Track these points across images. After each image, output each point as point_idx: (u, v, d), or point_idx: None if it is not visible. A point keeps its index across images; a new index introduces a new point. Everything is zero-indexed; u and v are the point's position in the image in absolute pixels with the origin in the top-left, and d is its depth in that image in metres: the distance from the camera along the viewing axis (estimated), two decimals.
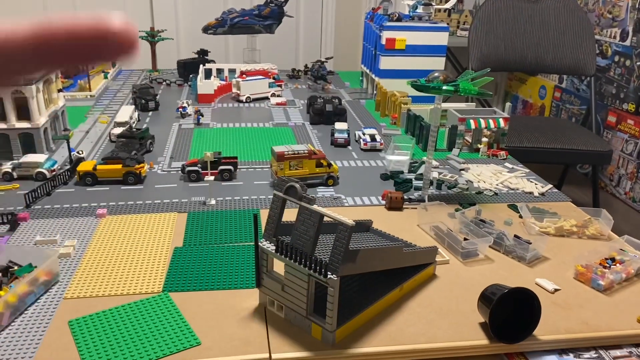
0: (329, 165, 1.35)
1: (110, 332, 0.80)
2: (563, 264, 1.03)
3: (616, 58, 3.11)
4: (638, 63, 2.97)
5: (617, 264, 1.00)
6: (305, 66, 2.57)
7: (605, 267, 0.99)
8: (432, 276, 0.98)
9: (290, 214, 0.83)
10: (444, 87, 1.17)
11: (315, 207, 0.78)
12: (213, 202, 1.22)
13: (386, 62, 2.06)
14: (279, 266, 0.83)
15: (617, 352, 0.83)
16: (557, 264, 1.03)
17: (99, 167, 1.30)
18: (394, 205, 1.23)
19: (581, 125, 2.68)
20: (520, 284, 0.93)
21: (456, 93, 1.19)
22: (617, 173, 3.04)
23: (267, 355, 0.76)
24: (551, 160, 2.30)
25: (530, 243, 1.04)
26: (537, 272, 1.00)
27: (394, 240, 1.00)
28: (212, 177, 1.22)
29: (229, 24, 2.28)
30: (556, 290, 0.94)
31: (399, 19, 2.06)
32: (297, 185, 0.80)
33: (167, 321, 0.82)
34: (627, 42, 3.01)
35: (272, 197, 1.25)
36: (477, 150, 1.62)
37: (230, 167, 1.34)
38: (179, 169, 1.38)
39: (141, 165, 1.32)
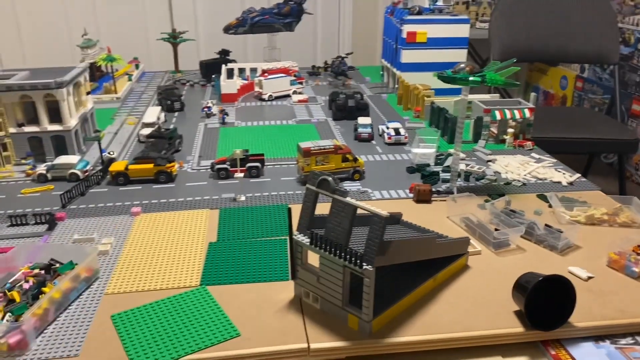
0: (355, 159, 1.36)
1: (152, 325, 0.82)
2: (595, 252, 1.02)
3: (639, 45, 3.06)
4: None
5: None
6: (325, 63, 2.58)
7: (638, 254, 0.98)
8: (465, 267, 0.98)
9: (321, 209, 0.85)
10: (471, 78, 1.17)
11: (348, 199, 0.79)
12: (243, 198, 1.24)
13: (408, 56, 2.06)
14: (313, 259, 0.85)
15: None
16: (590, 252, 1.03)
17: (130, 166, 1.32)
18: (422, 197, 1.24)
19: (605, 115, 2.65)
20: (553, 272, 0.93)
21: (483, 84, 1.19)
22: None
23: (305, 345, 0.78)
24: (576, 150, 2.28)
25: (562, 232, 1.04)
26: (569, 260, 1.00)
27: (425, 232, 1.00)
28: (241, 174, 1.24)
29: (249, 23, 2.30)
30: (590, 278, 0.94)
31: (419, 13, 2.06)
32: (330, 179, 0.82)
33: (206, 313, 0.84)
34: None
35: (299, 192, 1.27)
36: (503, 141, 1.62)
37: (257, 164, 1.36)
38: (208, 167, 1.40)
39: (172, 164, 1.34)
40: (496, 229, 1.06)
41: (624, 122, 3.06)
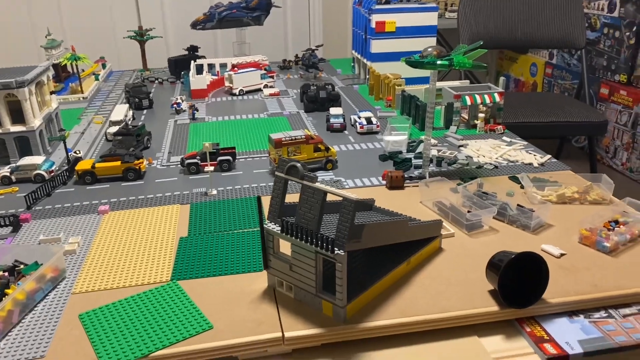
0: (327, 149, 1.34)
1: (122, 322, 0.80)
2: (567, 230, 1.03)
3: (605, 30, 3.12)
4: (627, 33, 2.97)
5: (621, 226, 1.01)
6: (296, 56, 2.56)
7: (609, 230, 0.99)
8: (439, 249, 0.98)
9: (293, 198, 0.83)
10: (439, 62, 1.17)
11: (318, 184, 0.78)
12: (214, 192, 1.22)
13: (377, 46, 2.06)
14: (285, 247, 0.83)
15: (626, 310, 0.84)
16: (561, 229, 1.04)
17: (97, 165, 1.29)
18: (395, 184, 1.23)
19: (575, 99, 2.69)
20: (527, 250, 0.93)
21: (451, 67, 1.19)
22: (613, 144, 3.06)
23: (279, 334, 0.77)
24: (547, 134, 2.31)
25: (534, 211, 1.04)
26: (542, 239, 1.01)
27: (398, 217, 1.00)
28: (211, 168, 1.22)
29: (217, 18, 2.27)
30: (562, 254, 0.95)
31: (387, 2, 2.06)
32: (299, 165, 0.80)
33: (177, 308, 0.82)
34: (615, 14, 3.02)
35: (272, 184, 1.25)
36: (475, 126, 1.62)
37: (228, 157, 1.34)
38: (178, 162, 1.38)
39: (140, 160, 1.32)
40: (469, 211, 1.06)
41: (593, 106, 3.12)
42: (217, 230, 1.06)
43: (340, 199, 0.75)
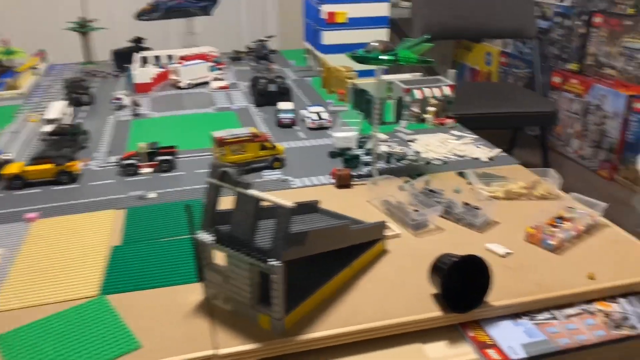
0: (274, 146, 1.30)
1: (40, 345, 0.74)
2: (513, 227, 1.02)
3: (557, 19, 3.15)
4: (578, 22, 3.01)
5: (566, 222, 1.00)
6: (248, 47, 2.49)
7: (554, 227, 0.99)
8: (384, 251, 0.95)
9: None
10: (384, 57, 1.13)
11: (251, 191, 0.74)
12: (153, 195, 1.16)
13: (329, 37, 2.01)
14: (220, 257, 0.79)
15: (569, 311, 0.83)
16: (508, 227, 1.02)
17: (27, 168, 1.21)
18: (342, 182, 1.20)
19: (526, 88, 2.71)
20: (472, 250, 0.91)
21: (396, 63, 1.16)
22: (565, 133, 3.11)
23: (212, 351, 0.72)
24: (499, 125, 2.32)
25: (480, 209, 1.02)
26: (488, 237, 0.99)
27: (342, 219, 0.96)
28: (149, 169, 1.15)
29: (163, 8, 2.18)
30: (507, 253, 0.93)
31: None
32: (231, 170, 0.76)
33: (103, 326, 0.77)
34: (567, 3, 3.05)
35: None
36: (425, 120, 1.61)
37: (168, 157, 1.28)
38: (116, 163, 1.31)
39: (73, 162, 1.24)
40: (415, 210, 1.04)
41: (545, 95, 3.16)
42: (154, 238, 1.00)
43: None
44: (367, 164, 1.31)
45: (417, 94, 1.58)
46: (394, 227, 1.01)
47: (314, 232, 0.78)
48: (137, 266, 0.91)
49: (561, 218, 1.01)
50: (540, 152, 2.62)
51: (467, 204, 1.05)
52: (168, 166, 1.27)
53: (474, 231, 1.01)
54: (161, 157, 1.27)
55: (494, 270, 0.80)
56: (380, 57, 1.13)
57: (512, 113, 2.21)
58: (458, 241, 0.98)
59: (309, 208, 0.99)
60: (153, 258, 0.94)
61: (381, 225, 0.94)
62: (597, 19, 2.90)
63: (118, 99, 1.75)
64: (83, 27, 2.28)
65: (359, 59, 1.15)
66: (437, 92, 1.58)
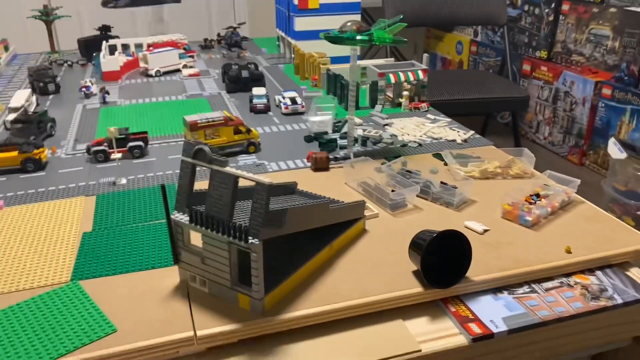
0: (248, 131, 1.28)
1: (11, 331, 0.71)
2: (490, 205, 1.02)
3: (526, 7, 3.19)
4: (546, 10, 3.05)
5: (542, 199, 1.01)
6: (218, 35, 2.45)
7: (530, 204, 0.99)
8: (363, 231, 0.94)
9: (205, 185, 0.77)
10: (358, 37, 1.12)
11: (228, 169, 0.72)
12: (124, 181, 1.13)
13: (301, 23, 1.99)
14: (196, 238, 0.77)
15: (548, 284, 0.84)
16: (485, 205, 1.02)
17: None
18: (319, 165, 1.18)
19: (498, 75, 2.74)
20: (450, 228, 0.91)
21: (371, 42, 1.15)
22: (536, 119, 3.15)
23: (191, 333, 0.70)
24: (472, 110, 2.34)
25: (456, 188, 1.02)
26: (465, 215, 0.99)
27: (320, 200, 0.95)
28: (119, 155, 1.12)
29: None
30: (485, 230, 0.93)
31: None
32: (206, 148, 0.73)
33: (77, 311, 0.74)
34: None
35: None
36: (400, 104, 1.61)
37: (140, 143, 1.24)
38: (84, 150, 1.27)
39: (40, 150, 1.20)
40: (393, 191, 1.03)
41: (516, 82, 3.20)
42: (126, 224, 0.97)
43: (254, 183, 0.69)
44: (342, 147, 1.30)
45: (392, 78, 1.58)
46: (372, 208, 1.00)
47: (293, 210, 0.76)
48: (110, 252, 0.89)
49: (537, 195, 1.02)
50: (511, 139, 2.65)
51: (444, 183, 1.05)
52: (139, 152, 1.24)
53: (452, 210, 1.01)
54: (132, 143, 1.23)
55: (474, 247, 0.80)
56: (355, 37, 1.11)
57: (484, 99, 2.23)
58: (436, 220, 0.98)
59: (286, 189, 0.97)
60: (126, 243, 0.91)
61: (361, 205, 0.93)
62: (565, 7, 2.95)
63: (86, 87, 1.70)
64: (47, 16, 2.20)
65: (333, 39, 1.14)
66: (411, 76, 1.58)
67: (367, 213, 0.97)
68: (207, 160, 0.73)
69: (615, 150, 2.26)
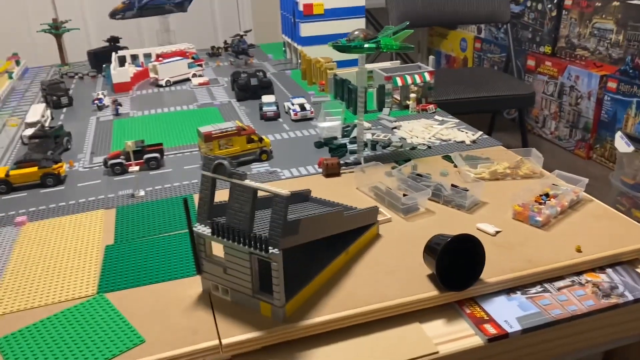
0: (260, 139, 1.30)
1: (44, 344, 0.74)
2: (501, 206, 1.04)
3: (529, 3, 3.20)
4: (549, 6, 3.06)
5: (552, 199, 1.03)
6: (225, 42, 2.48)
7: (540, 204, 1.01)
8: (377, 236, 0.97)
9: (223, 196, 0.79)
10: (366, 45, 1.15)
11: (247, 182, 0.75)
12: (142, 193, 1.16)
13: (307, 29, 2.01)
14: (217, 249, 0.79)
15: (560, 283, 0.86)
16: (496, 207, 1.05)
17: (12, 172, 1.20)
18: (331, 171, 1.21)
19: (503, 72, 2.75)
20: (463, 231, 0.93)
21: (378, 50, 1.17)
22: (542, 114, 3.16)
23: (216, 341, 0.73)
24: (478, 109, 2.35)
25: (467, 190, 1.05)
26: (477, 217, 1.01)
27: (334, 206, 0.98)
28: (137, 168, 1.15)
29: (137, 6, 2.16)
30: (497, 232, 0.96)
31: None
32: (225, 162, 0.76)
33: (105, 324, 0.77)
34: None
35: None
36: (407, 107, 1.63)
37: (156, 154, 1.27)
38: (102, 163, 1.30)
39: (59, 164, 1.23)
40: (404, 195, 1.05)
41: (521, 78, 3.21)
42: (146, 235, 1.00)
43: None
44: (352, 152, 1.33)
45: (398, 81, 1.61)
46: (384, 212, 1.03)
47: (310, 219, 0.79)
48: (133, 263, 0.92)
49: (546, 195, 1.04)
50: (519, 135, 2.66)
51: (454, 186, 1.07)
52: (156, 164, 1.27)
53: (464, 212, 1.03)
54: (148, 155, 1.26)
55: (486, 249, 0.82)
56: (363, 45, 1.14)
57: (490, 97, 2.25)
58: (448, 223, 1.00)
59: (301, 197, 1.00)
60: (148, 254, 0.94)
61: (374, 211, 0.96)
62: (568, 2, 2.95)
63: (99, 99, 1.73)
64: (57, 29, 2.24)
65: (342, 49, 1.16)
66: (417, 78, 1.60)
67: (380, 218, 0.99)
68: (227, 175, 0.76)
69: (622, 144, 2.27)
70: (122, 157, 1.25)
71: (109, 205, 1.12)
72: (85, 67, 2.29)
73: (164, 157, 1.33)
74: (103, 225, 1.04)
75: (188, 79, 2.02)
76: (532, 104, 2.43)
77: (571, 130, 2.98)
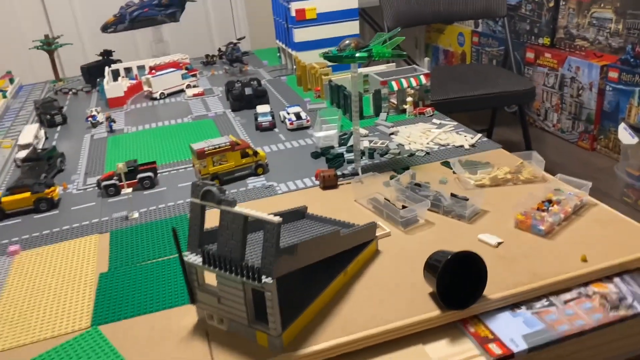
0: (255, 153, 1.28)
1: None
2: (502, 215, 1.01)
3: None
4: None
5: (554, 205, 1.00)
6: (219, 50, 2.46)
7: (543, 211, 0.98)
8: (376, 252, 0.94)
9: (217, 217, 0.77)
10: (357, 55, 1.12)
11: (237, 209, 0.72)
12: (136, 215, 1.14)
13: (300, 34, 1.99)
14: (211, 277, 0.77)
15: (567, 296, 0.83)
16: (497, 215, 1.02)
17: (4, 199, 1.18)
18: (328, 184, 1.18)
19: (502, 67, 2.71)
20: (464, 243, 0.91)
21: (370, 59, 1.14)
22: (543, 107, 3.12)
23: None
24: (478, 106, 2.32)
25: (467, 199, 1.02)
26: (478, 227, 0.99)
27: (331, 223, 0.95)
28: (129, 190, 1.13)
29: (128, 19, 2.14)
30: (499, 243, 0.93)
31: None
32: (214, 189, 0.74)
33: (99, 359, 0.75)
34: None
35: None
36: (404, 111, 1.60)
37: (149, 174, 1.25)
38: (95, 184, 1.28)
39: (52, 189, 1.21)
40: (403, 206, 1.03)
41: (520, 72, 3.17)
42: (141, 260, 0.98)
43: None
44: (350, 161, 1.30)
45: (394, 85, 1.58)
46: (383, 226, 1.00)
47: (304, 244, 0.76)
48: (127, 292, 0.89)
49: (549, 201, 1.01)
50: (520, 128, 2.63)
51: (454, 195, 1.04)
52: (149, 183, 1.25)
53: (464, 222, 1.01)
54: (141, 175, 1.24)
55: (488, 262, 0.80)
56: (354, 55, 1.11)
57: (489, 94, 2.21)
58: (449, 235, 0.97)
59: (297, 215, 0.98)
60: (142, 282, 0.92)
61: (372, 226, 0.93)
62: None
63: (92, 116, 1.71)
64: (49, 45, 2.22)
65: (333, 59, 1.14)
66: (413, 82, 1.57)
67: (378, 233, 0.97)
68: (215, 201, 0.74)
69: (626, 136, 2.24)
70: (115, 177, 1.23)
71: (103, 229, 1.10)
72: (80, 82, 2.27)
73: (158, 175, 1.30)
74: (97, 251, 1.02)
75: (182, 90, 2.00)
76: (533, 99, 2.40)
77: (574, 122, 2.95)
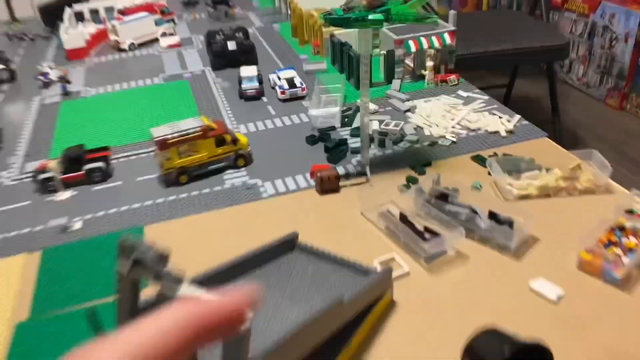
0: (235, 140, 1.00)
1: None
2: (559, 246, 0.76)
3: None
4: None
5: (629, 236, 0.74)
6: None
7: (614, 245, 0.73)
8: (390, 304, 0.69)
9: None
10: (370, 17, 0.83)
11: (183, 289, 0.46)
12: (78, 225, 0.88)
13: None
14: None
15: None
16: (552, 247, 0.76)
17: None
18: (327, 187, 0.92)
19: (529, 15, 2.37)
20: (513, 292, 0.68)
21: (388, 22, 0.85)
22: (568, 58, 2.80)
23: None
24: (502, 64, 2.03)
25: (513, 224, 0.76)
26: (528, 266, 0.73)
27: (330, 262, 0.70)
28: (67, 194, 0.87)
29: None
30: (560, 297, 0.68)
31: None
32: (150, 254, 0.47)
33: None
34: None
35: (160, 201, 0.92)
36: (422, 77, 1.31)
37: (100, 164, 0.98)
38: (31, 175, 1.01)
39: None
40: (426, 228, 0.77)
41: (547, 18, 2.82)
42: (77, 300, 0.73)
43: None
44: (355, 151, 1.03)
45: (412, 45, 1.29)
46: (400, 261, 0.75)
47: (291, 338, 0.51)
48: (53, 354, 0.65)
49: (620, 229, 0.76)
50: (543, 83, 2.32)
51: (493, 214, 0.78)
52: (100, 176, 0.98)
53: (508, 257, 0.75)
54: (90, 165, 0.97)
55: (548, 328, 0.57)
56: (366, 17, 0.82)
57: (518, 50, 1.89)
58: (490, 278, 0.72)
59: (285, 247, 0.72)
60: (75, 337, 0.67)
61: (387, 277, 0.68)
62: None
63: (44, 73, 1.42)
64: None
65: (338, 22, 0.85)
66: (435, 41, 1.28)
67: (394, 272, 0.72)
68: (152, 275, 0.48)
69: None
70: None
71: (33, 245, 0.85)
72: (39, 24, 1.94)
73: (114, 162, 1.04)
74: (20, 282, 0.77)
75: (156, 40, 1.68)
76: (567, 57, 2.08)
77: (602, 77, 2.64)
